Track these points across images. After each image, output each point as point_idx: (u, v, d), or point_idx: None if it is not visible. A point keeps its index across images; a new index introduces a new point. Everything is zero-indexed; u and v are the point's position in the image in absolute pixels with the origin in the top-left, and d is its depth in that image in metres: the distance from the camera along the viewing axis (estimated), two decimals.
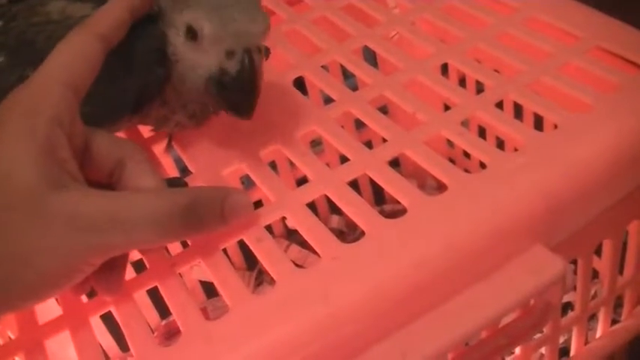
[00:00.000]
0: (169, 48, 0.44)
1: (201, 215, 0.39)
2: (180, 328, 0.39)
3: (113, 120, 0.45)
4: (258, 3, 0.44)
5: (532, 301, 0.46)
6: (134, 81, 0.43)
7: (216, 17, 0.42)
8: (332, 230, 0.43)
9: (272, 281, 0.40)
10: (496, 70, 0.54)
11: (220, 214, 0.40)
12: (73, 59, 0.40)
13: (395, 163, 0.82)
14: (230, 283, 0.40)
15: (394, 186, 0.44)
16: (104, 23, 0.42)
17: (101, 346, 0.68)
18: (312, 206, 0.45)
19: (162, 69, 0.44)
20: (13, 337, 0.44)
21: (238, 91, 0.43)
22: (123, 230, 0.36)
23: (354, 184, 0.45)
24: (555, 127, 0.47)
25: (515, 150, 0.46)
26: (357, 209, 0.43)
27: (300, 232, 0.43)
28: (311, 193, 0.45)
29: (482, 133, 0.73)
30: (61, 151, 0.37)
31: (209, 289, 0.79)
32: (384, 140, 0.48)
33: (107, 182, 0.41)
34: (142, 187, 0.40)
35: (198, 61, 0.43)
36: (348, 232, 0.81)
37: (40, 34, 0.44)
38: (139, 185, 0.40)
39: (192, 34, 0.43)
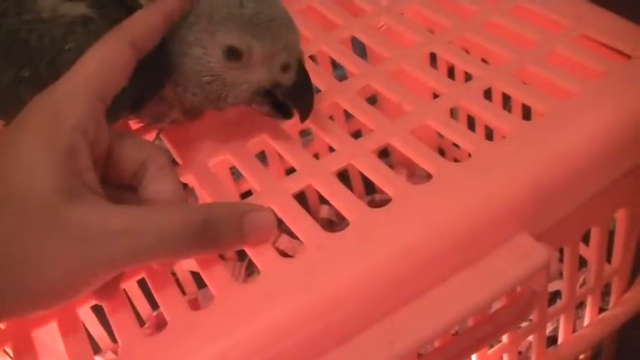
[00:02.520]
0: (193, 65, 0.44)
1: (216, 233, 0.38)
2: (166, 318, 0.39)
3: (111, 120, 0.45)
4: (285, 9, 0.44)
5: (518, 289, 0.46)
6: (133, 82, 0.42)
7: (264, 35, 0.42)
8: (322, 220, 0.43)
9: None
10: (484, 59, 0.54)
11: (238, 231, 0.39)
12: (101, 66, 0.39)
13: (386, 153, 0.82)
14: (215, 273, 0.41)
15: (379, 175, 0.44)
16: (137, 29, 0.41)
17: (92, 337, 0.69)
18: (302, 196, 0.45)
19: (162, 70, 0.44)
20: (1, 327, 0.44)
21: (298, 100, 0.45)
22: (133, 247, 0.35)
23: (345, 174, 0.46)
24: (542, 115, 0.47)
25: (504, 138, 0.46)
26: (342, 199, 0.43)
27: (286, 222, 0.43)
28: (297, 183, 0.45)
29: (472, 122, 0.73)
30: (81, 161, 0.37)
31: (200, 280, 0.79)
32: (372, 130, 0.48)
33: (130, 184, 0.41)
34: (161, 193, 0.40)
35: (243, 79, 0.44)
36: (338, 222, 0.81)
37: (32, 33, 0.44)
38: (157, 191, 0.40)
39: (235, 54, 0.43)
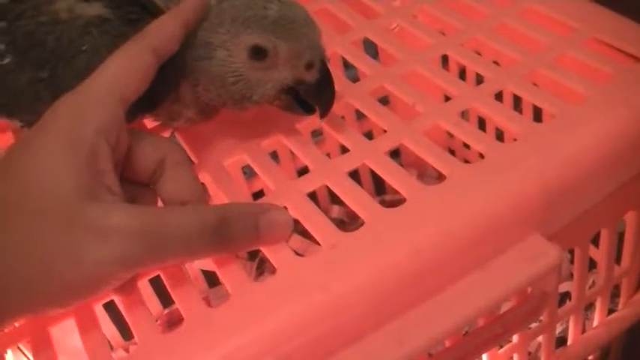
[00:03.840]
0: (217, 67, 0.44)
1: (232, 233, 0.38)
2: (183, 315, 0.40)
3: (127, 119, 0.45)
4: (306, 10, 0.45)
5: (529, 290, 0.47)
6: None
7: (289, 35, 0.43)
8: (333, 220, 0.43)
9: (273, 270, 0.41)
10: (495, 62, 0.54)
11: (254, 231, 0.39)
12: (124, 71, 0.40)
13: (396, 154, 0.83)
14: (231, 271, 0.41)
15: (393, 176, 0.45)
16: (158, 36, 0.42)
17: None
18: (313, 196, 0.45)
19: (178, 70, 0.45)
20: (17, 324, 0.45)
21: (320, 96, 0.46)
22: (151, 247, 0.36)
23: (354, 174, 0.46)
24: (552, 117, 0.48)
25: (515, 140, 0.46)
26: (357, 199, 0.44)
27: (300, 222, 0.43)
28: (311, 183, 0.45)
29: (482, 124, 0.73)
30: (102, 163, 0.37)
31: (211, 279, 0.80)
32: (385, 131, 0.48)
33: (147, 182, 0.42)
34: (179, 191, 0.41)
35: (268, 78, 0.44)
36: (350, 222, 0.81)
37: (50, 35, 0.44)
38: (176, 188, 0.41)
39: (261, 54, 0.43)
